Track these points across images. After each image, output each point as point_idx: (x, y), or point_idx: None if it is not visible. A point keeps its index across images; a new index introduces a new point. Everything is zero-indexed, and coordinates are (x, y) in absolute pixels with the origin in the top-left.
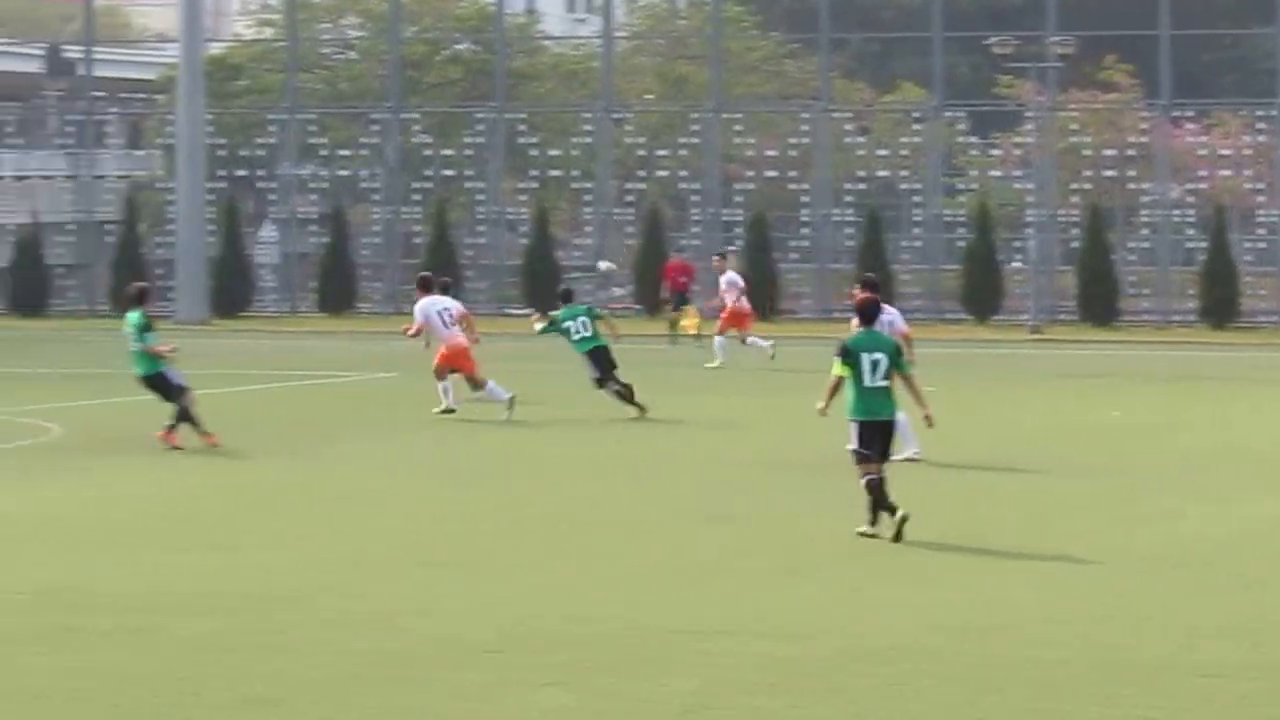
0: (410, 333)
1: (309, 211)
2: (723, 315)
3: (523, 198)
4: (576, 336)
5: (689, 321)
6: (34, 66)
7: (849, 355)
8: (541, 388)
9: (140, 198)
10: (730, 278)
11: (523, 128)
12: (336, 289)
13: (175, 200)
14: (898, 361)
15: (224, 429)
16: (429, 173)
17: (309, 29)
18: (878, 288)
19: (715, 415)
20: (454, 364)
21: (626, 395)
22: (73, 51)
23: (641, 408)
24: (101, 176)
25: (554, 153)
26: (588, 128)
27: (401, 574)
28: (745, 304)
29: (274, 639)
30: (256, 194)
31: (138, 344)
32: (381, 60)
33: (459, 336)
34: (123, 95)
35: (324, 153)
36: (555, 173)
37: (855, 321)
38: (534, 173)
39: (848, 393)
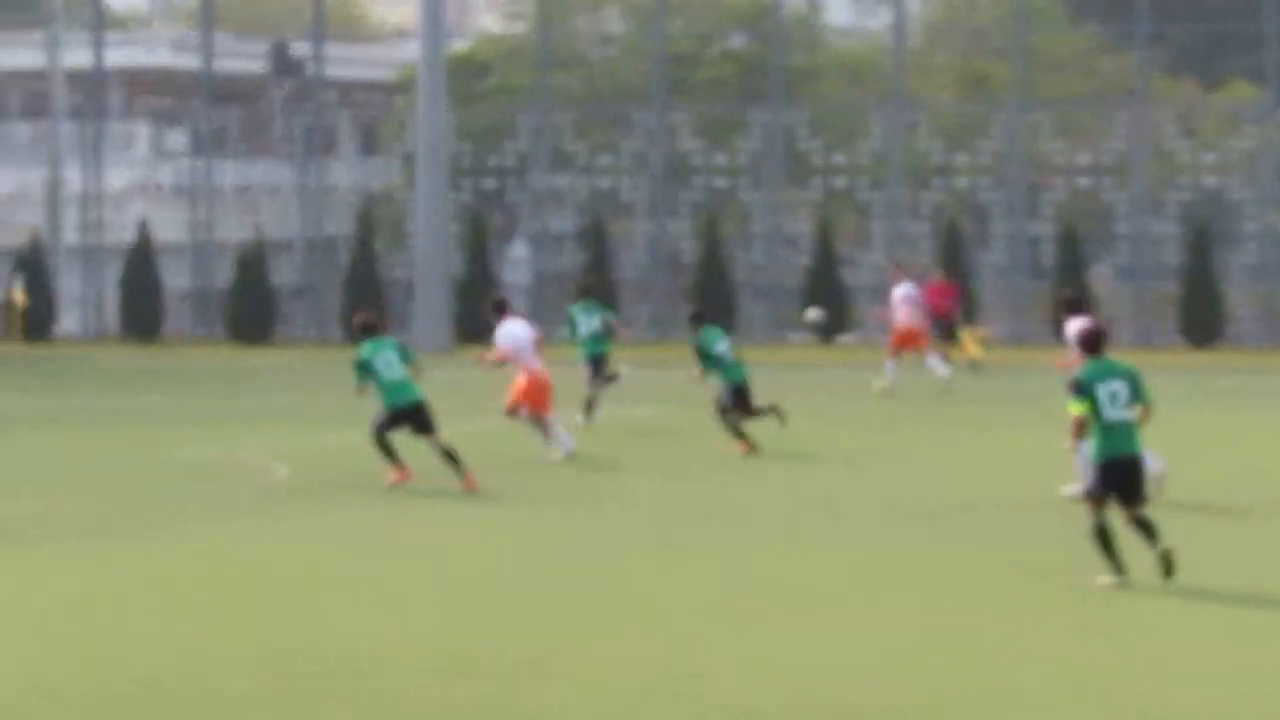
0: (492, 359)
1: (564, 227)
2: (893, 334)
3: (803, 210)
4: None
5: (972, 347)
6: (258, 66)
7: (1084, 390)
8: (811, 419)
9: (375, 212)
10: (905, 291)
11: (803, 131)
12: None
13: (415, 214)
14: (1139, 389)
15: (479, 469)
16: (698, 182)
17: (564, 22)
18: (1082, 307)
19: (1013, 451)
20: (533, 399)
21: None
22: (301, 49)
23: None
24: (332, 188)
25: (838, 159)
26: (876, 131)
27: (678, 629)
28: (918, 321)
29: (533, 704)
30: (505, 207)
31: (395, 373)
32: (645, 56)
33: (541, 368)
34: (356, 97)
35: (581, 160)
36: (840, 182)
37: (1076, 354)
38: (816, 182)
39: (1091, 432)
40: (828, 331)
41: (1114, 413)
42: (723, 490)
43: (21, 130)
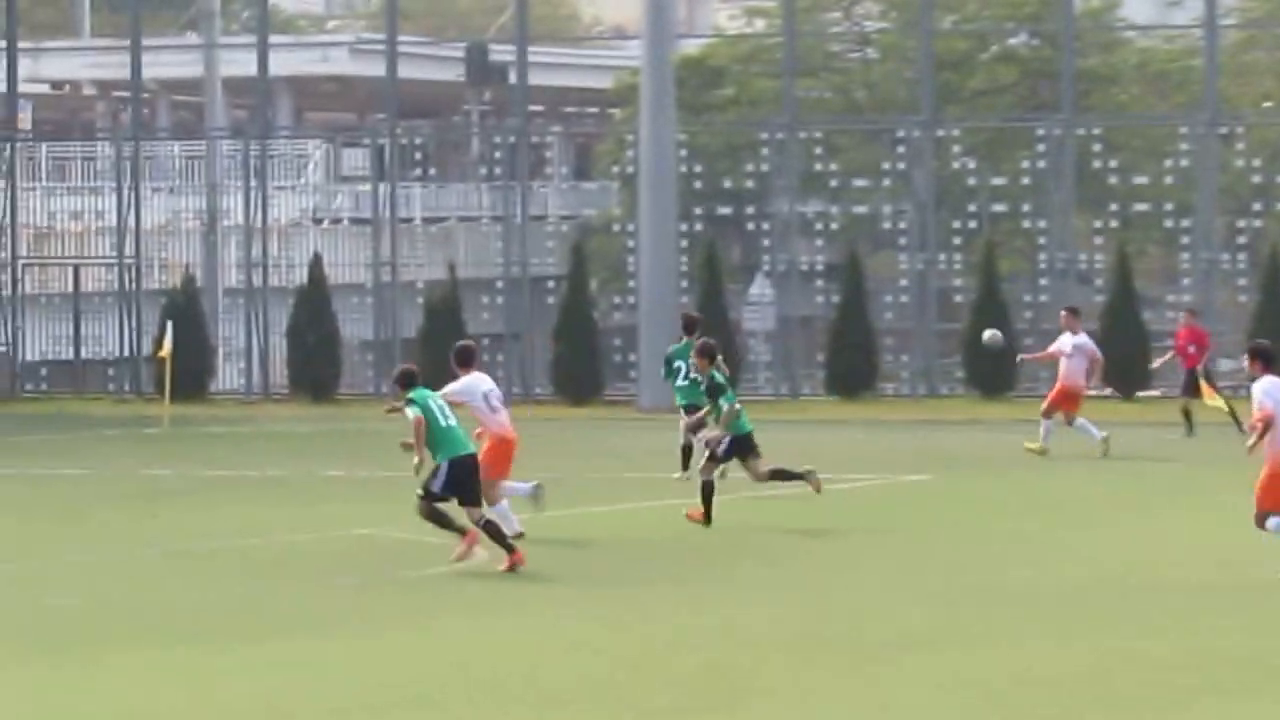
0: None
1: (814, 260)
2: (1055, 389)
3: (1099, 239)
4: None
5: (1213, 400)
6: (452, 73)
7: None
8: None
9: (590, 245)
10: (1080, 341)
11: (1098, 147)
12: (850, 363)
13: (637, 248)
14: None
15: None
16: (973, 208)
17: (813, 20)
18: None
19: None
20: (492, 462)
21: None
22: (502, 53)
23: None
24: (540, 218)
25: (1140, 180)
26: (1185, 146)
27: None
28: (1081, 380)
29: None
30: (744, 238)
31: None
32: (910, 60)
33: (508, 426)
34: (568, 109)
35: (834, 182)
36: (1142, 206)
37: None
38: (1114, 207)
39: None
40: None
41: None
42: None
43: (172, 151)
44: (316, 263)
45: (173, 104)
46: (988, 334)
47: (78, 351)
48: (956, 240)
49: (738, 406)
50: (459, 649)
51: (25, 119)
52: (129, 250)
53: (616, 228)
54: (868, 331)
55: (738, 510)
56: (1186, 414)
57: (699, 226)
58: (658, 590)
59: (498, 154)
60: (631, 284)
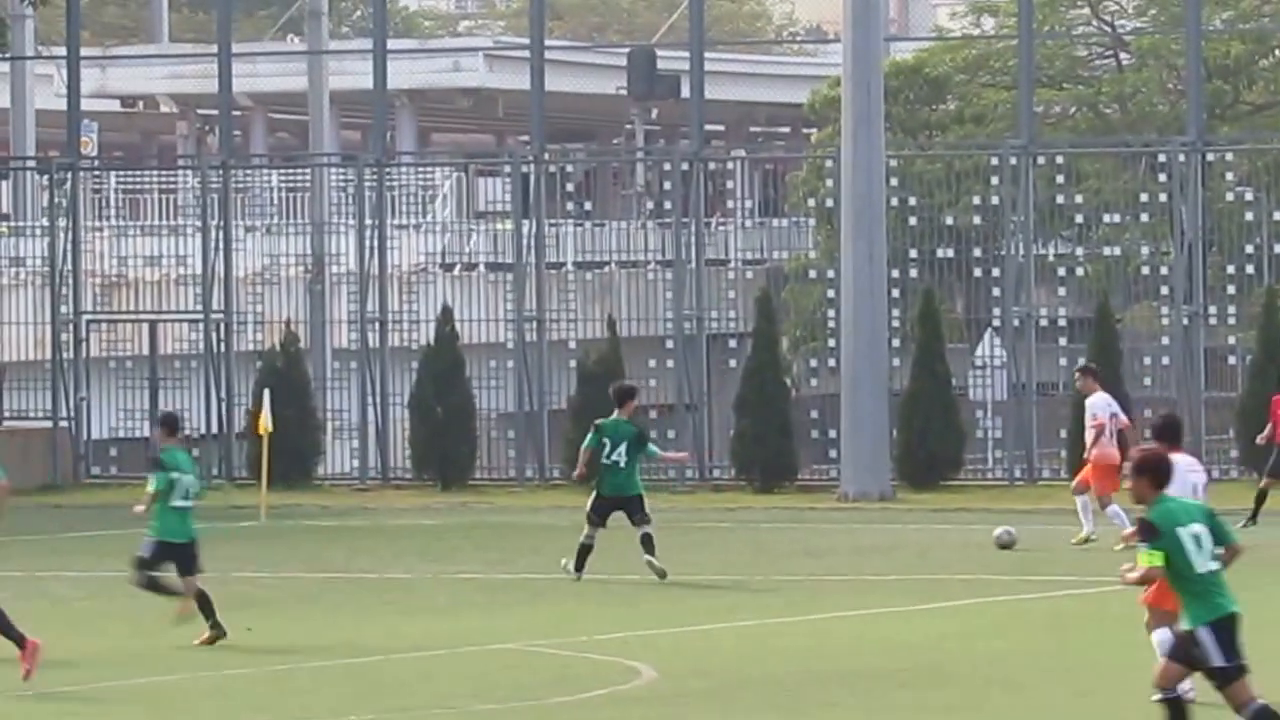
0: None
1: (1055, 313)
2: (1088, 464)
3: None
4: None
5: None
6: (612, 85)
7: (1155, 535)
8: None
9: (781, 296)
10: (1102, 401)
11: None
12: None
13: (838, 299)
14: (1219, 528)
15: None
16: (1251, 249)
17: (1054, 19)
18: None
19: None
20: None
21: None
22: (673, 60)
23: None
24: (719, 262)
25: None
26: None
27: None
28: (1113, 449)
29: None
30: (970, 287)
31: None
32: (1173, 68)
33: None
34: (753, 129)
35: (1079, 218)
36: None
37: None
38: None
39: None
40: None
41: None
42: None
43: (269, 181)
44: (446, 318)
45: (270, 124)
46: (1000, 534)
47: (153, 426)
48: (1230, 289)
49: None
50: None
51: (90, 143)
52: (217, 303)
53: (813, 274)
54: (1122, 400)
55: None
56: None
57: (914, 273)
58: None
59: (667, 184)
60: (831, 343)
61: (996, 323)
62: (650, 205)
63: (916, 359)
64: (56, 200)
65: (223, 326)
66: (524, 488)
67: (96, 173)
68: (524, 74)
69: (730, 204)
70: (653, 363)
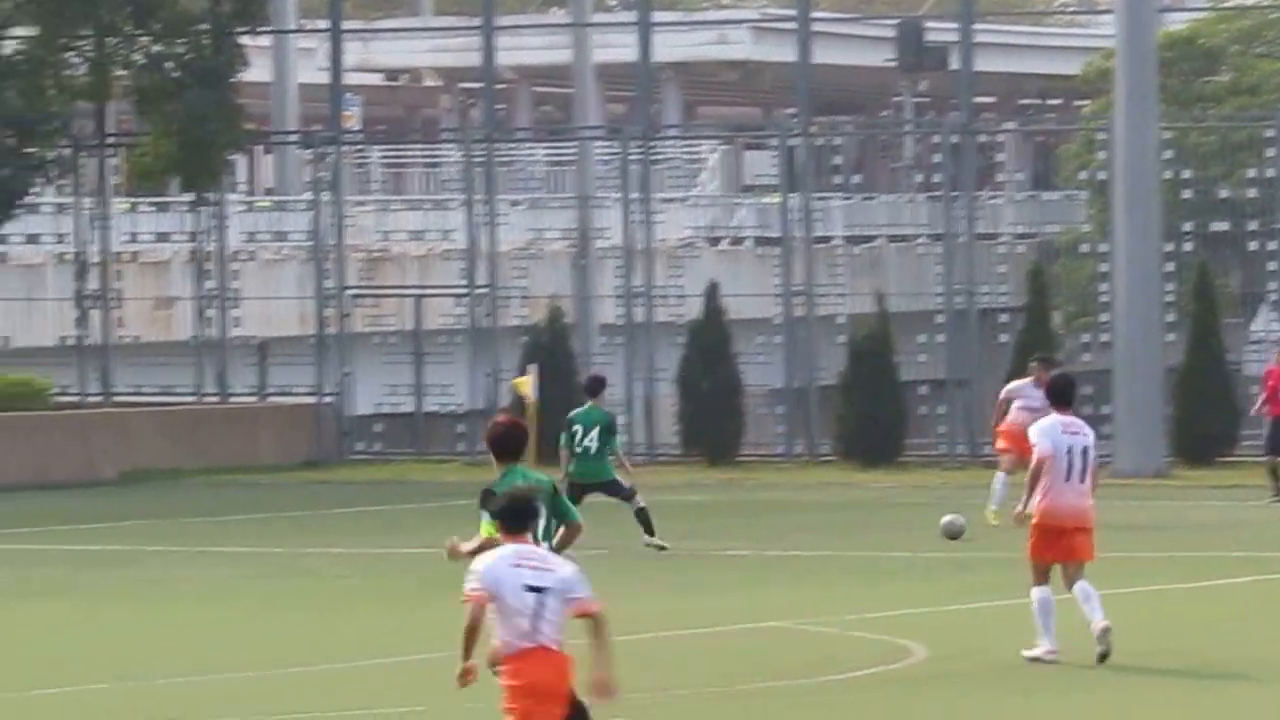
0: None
1: None
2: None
3: None
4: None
5: None
6: (879, 57)
7: None
8: None
9: (1053, 270)
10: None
11: None
12: None
13: (1111, 273)
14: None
15: None
16: None
17: None
18: None
19: None
20: None
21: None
22: (942, 31)
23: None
24: (989, 236)
25: None
26: None
27: None
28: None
29: None
30: (1245, 260)
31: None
32: None
33: None
34: (1024, 102)
35: None
36: None
37: None
38: None
39: None
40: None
41: None
42: None
43: (534, 155)
44: (713, 292)
45: (535, 97)
46: (946, 521)
47: (419, 403)
48: None
49: None
50: None
51: (353, 117)
52: (482, 278)
53: (1085, 248)
54: None
55: None
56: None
57: (1188, 246)
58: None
59: (937, 157)
60: (1104, 318)
61: (1274, 297)
62: (919, 178)
63: (1191, 334)
64: (320, 174)
65: (487, 301)
66: (792, 464)
67: (360, 147)
68: (790, 46)
69: (1001, 177)
70: (922, 338)
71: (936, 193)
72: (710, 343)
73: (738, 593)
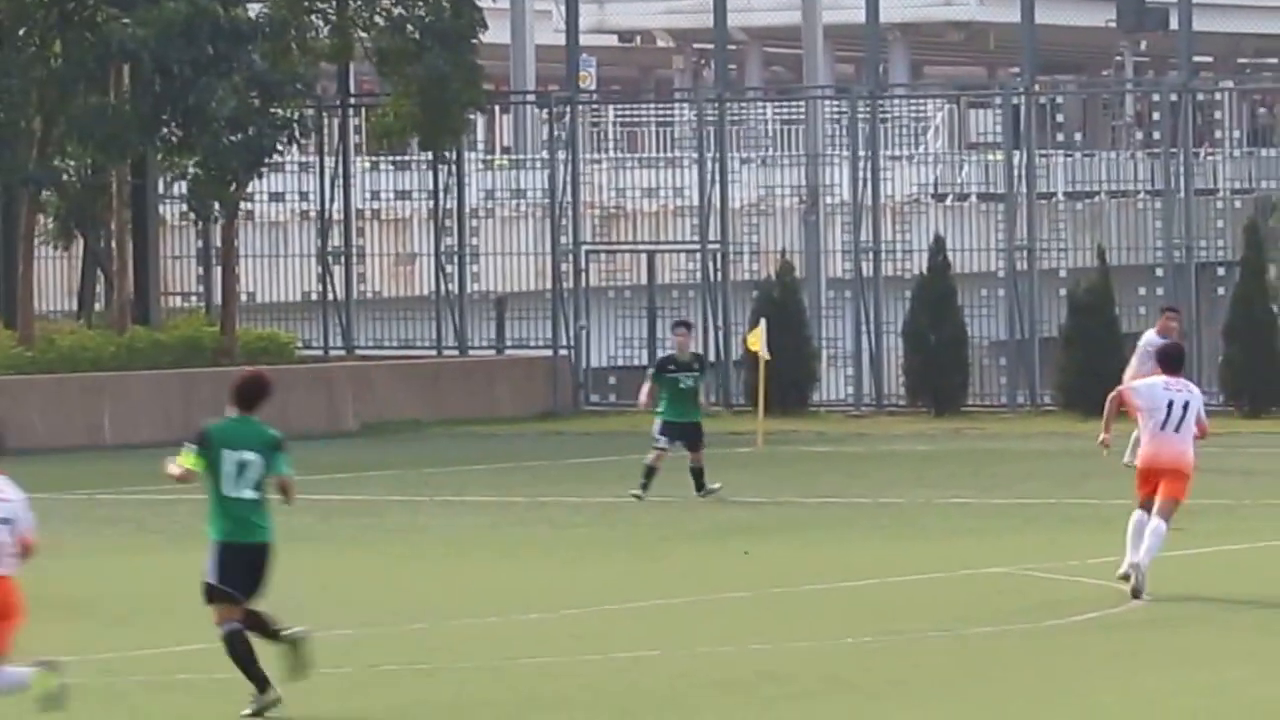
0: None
1: None
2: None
3: None
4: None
5: None
6: (1101, 18)
7: None
8: None
9: (1268, 225)
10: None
11: None
12: None
13: None
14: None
15: None
16: None
17: None
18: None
19: None
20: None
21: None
22: None
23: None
24: (1208, 192)
25: None
26: None
27: None
28: None
29: None
30: None
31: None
32: None
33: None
34: (1242, 60)
35: None
36: None
37: None
38: None
39: None
40: None
41: None
42: None
43: (764, 114)
44: (938, 247)
45: (765, 57)
46: None
47: (653, 355)
48: None
49: None
50: (1110, 715)
51: (589, 77)
52: (714, 234)
53: None
54: None
55: None
56: None
57: None
58: None
59: (1156, 115)
60: None
61: None
62: (1139, 136)
63: None
64: (556, 134)
65: (719, 256)
66: (1015, 414)
67: (595, 106)
68: (1014, 7)
69: (1218, 134)
70: (1142, 290)
71: (1156, 150)
72: (935, 296)
73: (962, 539)
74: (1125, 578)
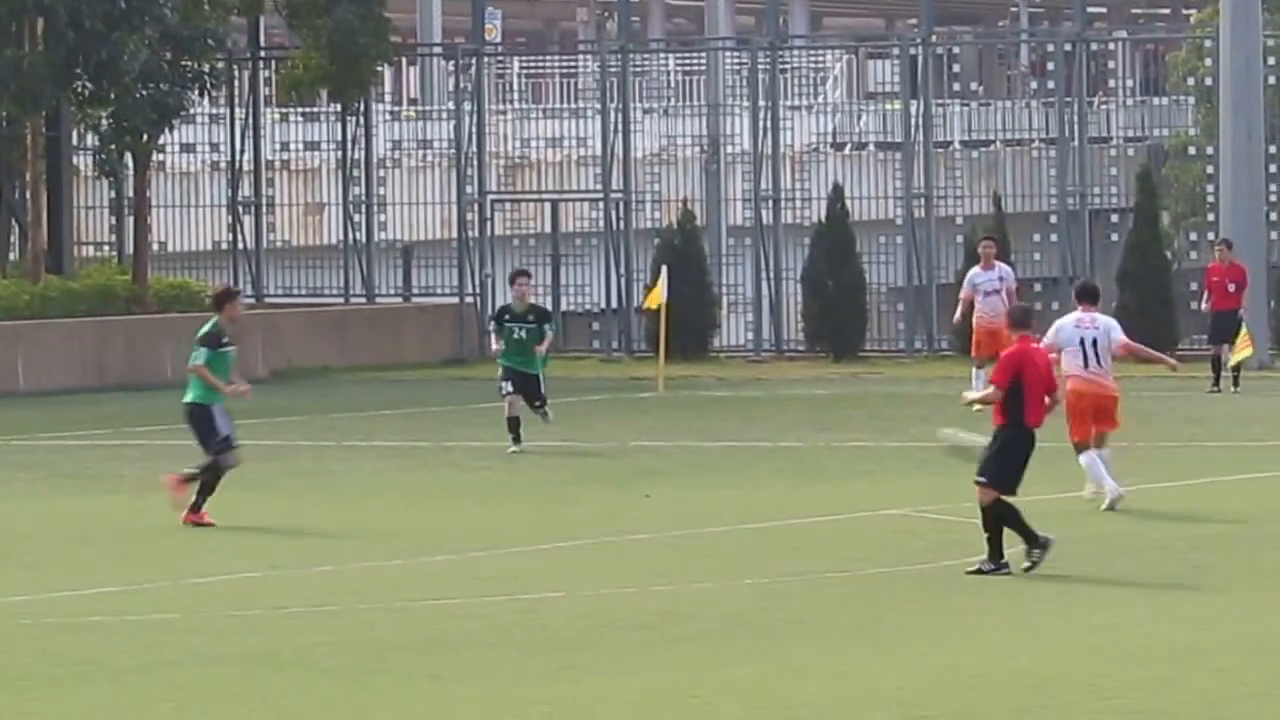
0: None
1: None
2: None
3: None
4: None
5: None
6: None
7: None
8: None
9: (1161, 172)
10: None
11: None
12: None
13: (1217, 176)
14: None
15: None
16: None
17: None
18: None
19: None
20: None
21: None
22: None
23: None
24: (1102, 140)
25: None
26: None
27: None
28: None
29: None
30: None
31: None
32: None
33: None
34: (1135, 11)
35: None
36: None
37: None
38: None
39: None
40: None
41: None
42: None
43: (666, 65)
44: (837, 196)
45: (667, 10)
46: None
47: (556, 303)
48: None
49: None
50: (1002, 651)
51: (494, 30)
52: (616, 183)
53: (1192, 151)
54: None
55: None
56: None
57: None
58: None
59: (1051, 65)
60: (1211, 218)
61: None
62: (1034, 85)
63: None
64: (462, 85)
65: (621, 205)
66: (913, 359)
67: (500, 58)
68: None
69: (1112, 83)
70: (1037, 237)
71: (1051, 99)
72: (834, 243)
73: (860, 482)
74: (1111, 508)
